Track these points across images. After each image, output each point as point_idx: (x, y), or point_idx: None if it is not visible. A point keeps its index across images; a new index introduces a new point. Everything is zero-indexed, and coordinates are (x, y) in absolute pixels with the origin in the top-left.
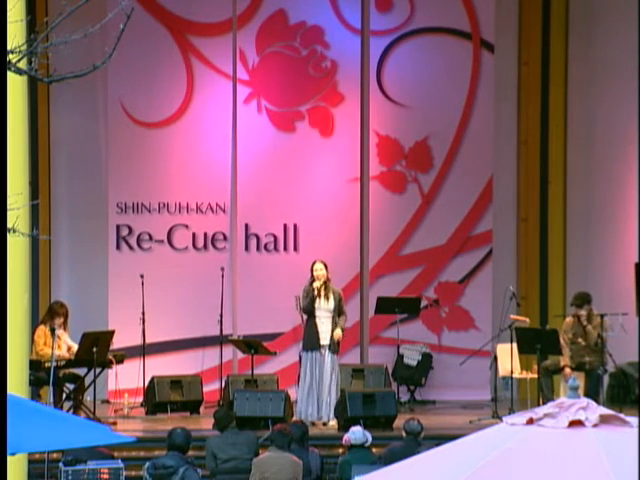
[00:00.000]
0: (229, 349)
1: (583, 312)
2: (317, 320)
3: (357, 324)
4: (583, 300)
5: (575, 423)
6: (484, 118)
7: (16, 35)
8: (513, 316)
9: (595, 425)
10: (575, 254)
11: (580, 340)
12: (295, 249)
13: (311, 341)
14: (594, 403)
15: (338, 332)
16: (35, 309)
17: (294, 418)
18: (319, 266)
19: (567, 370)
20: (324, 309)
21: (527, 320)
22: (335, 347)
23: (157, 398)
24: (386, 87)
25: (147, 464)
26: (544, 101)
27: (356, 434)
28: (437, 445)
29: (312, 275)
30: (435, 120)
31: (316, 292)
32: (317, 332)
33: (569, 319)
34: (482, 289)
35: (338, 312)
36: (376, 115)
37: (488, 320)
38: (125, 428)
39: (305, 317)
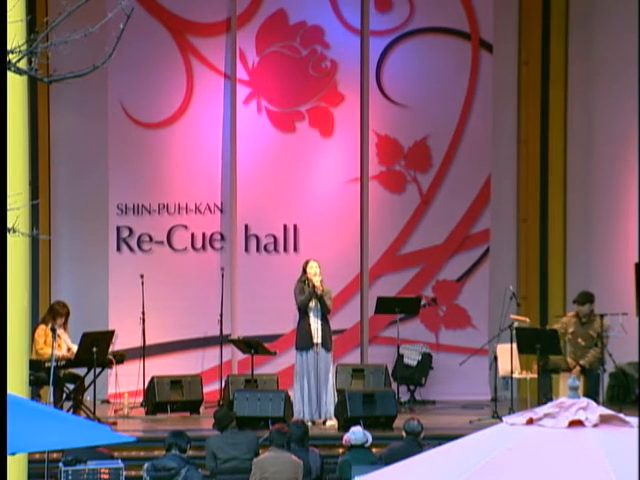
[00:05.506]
0: (229, 349)
1: (583, 309)
2: (310, 319)
3: (357, 324)
4: (586, 299)
5: (575, 423)
6: (483, 118)
7: (16, 35)
8: (513, 316)
9: (595, 425)
10: (575, 254)
11: (579, 340)
12: (295, 250)
13: (304, 340)
14: (594, 403)
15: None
16: (35, 309)
17: (294, 418)
18: (315, 264)
19: (576, 370)
20: (315, 308)
21: (527, 320)
22: (328, 344)
23: (157, 398)
24: (385, 87)
25: (146, 465)
26: (544, 101)
27: (356, 434)
28: (437, 445)
29: (305, 273)
30: (434, 120)
31: (318, 291)
32: (310, 331)
33: (569, 316)
34: (479, 288)
35: (326, 308)
36: (375, 115)
37: (485, 319)
38: (125, 428)
39: (298, 315)
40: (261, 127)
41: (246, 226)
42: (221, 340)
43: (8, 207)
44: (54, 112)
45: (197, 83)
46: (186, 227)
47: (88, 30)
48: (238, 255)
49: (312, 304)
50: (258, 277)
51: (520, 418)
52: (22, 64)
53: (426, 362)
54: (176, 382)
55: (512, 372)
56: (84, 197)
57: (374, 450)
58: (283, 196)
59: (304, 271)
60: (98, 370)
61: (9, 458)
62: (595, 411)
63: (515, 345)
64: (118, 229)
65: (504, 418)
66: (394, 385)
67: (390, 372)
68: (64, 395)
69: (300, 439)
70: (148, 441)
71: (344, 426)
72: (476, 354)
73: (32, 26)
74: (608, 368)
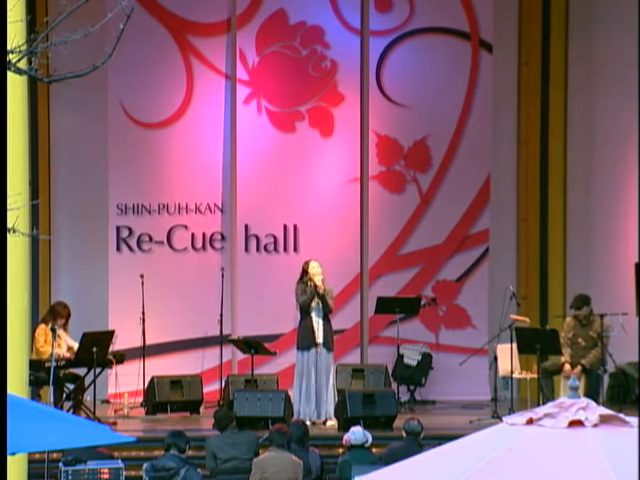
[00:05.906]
0: (229, 349)
1: (581, 312)
2: (312, 319)
3: (357, 324)
4: (582, 302)
5: (575, 423)
6: (482, 118)
7: (16, 35)
8: (513, 316)
9: (595, 425)
10: (575, 254)
11: (580, 340)
12: (295, 250)
13: (307, 340)
14: (594, 403)
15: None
16: (35, 309)
17: (294, 418)
18: (316, 263)
19: (567, 367)
20: (317, 307)
21: (527, 320)
22: (329, 344)
23: (157, 398)
24: (385, 87)
25: (146, 465)
26: (544, 101)
27: (356, 434)
28: (437, 445)
29: (306, 273)
30: (434, 120)
31: (321, 290)
32: (313, 331)
33: (569, 319)
34: (479, 287)
35: (328, 307)
36: (375, 115)
37: (484, 318)
38: (125, 428)
39: (299, 315)
40: (261, 127)
41: (246, 226)
42: (221, 340)
43: (8, 207)
44: (54, 112)
45: (197, 83)
46: (186, 227)
47: (88, 30)
48: (238, 255)
49: (314, 304)
50: (258, 277)
51: (520, 418)
52: (22, 64)
53: (426, 362)
54: (176, 382)
55: (512, 372)
56: (84, 197)
57: (374, 450)
58: (283, 196)
59: (305, 272)
60: (98, 370)
61: (9, 458)
62: (595, 411)
63: (515, 345)
64: (118, 229)
65: (504, 418)
66: (394, 385)
67: (390, 372)
68: (64, 395)
69: (300, 439)
70: (148, 441)
71: (344, 426)
72: (476, 354)
73: (32, 26)
74: (608, 368)
